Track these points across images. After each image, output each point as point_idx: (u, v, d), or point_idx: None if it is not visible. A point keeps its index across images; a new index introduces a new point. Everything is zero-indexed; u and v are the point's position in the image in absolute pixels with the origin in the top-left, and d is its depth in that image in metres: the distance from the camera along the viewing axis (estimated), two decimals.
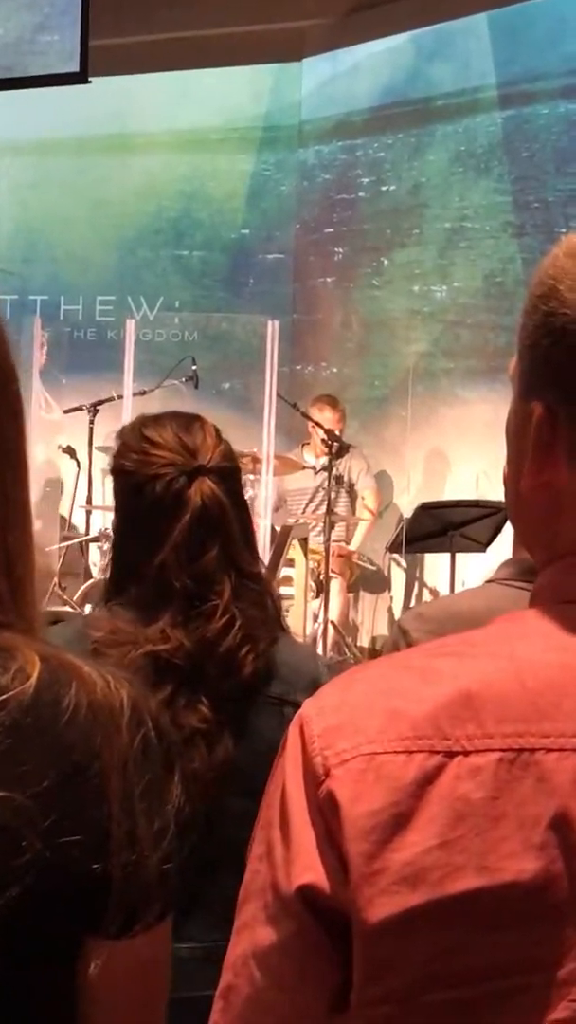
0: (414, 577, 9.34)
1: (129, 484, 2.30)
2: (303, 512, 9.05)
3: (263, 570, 2.37)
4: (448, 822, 0.95)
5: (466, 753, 0.96)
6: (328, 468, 8.50)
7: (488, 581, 2.39)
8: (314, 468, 8.98)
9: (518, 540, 1.21)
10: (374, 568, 9.68)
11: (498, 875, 0.94)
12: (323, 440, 8.65)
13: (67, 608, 7.84)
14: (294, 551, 6.67)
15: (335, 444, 8.49)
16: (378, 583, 9.71)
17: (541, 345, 1.04)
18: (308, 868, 0.98)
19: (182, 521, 2.22)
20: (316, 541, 8.37)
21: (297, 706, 2.27)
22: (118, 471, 2.33)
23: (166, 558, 2.21)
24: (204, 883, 2.17)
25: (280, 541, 6.35)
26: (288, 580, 7.66)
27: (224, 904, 1.91)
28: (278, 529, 8.45)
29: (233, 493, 2.30)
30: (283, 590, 7.82)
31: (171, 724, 2.13)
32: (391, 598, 9.60)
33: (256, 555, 2.36)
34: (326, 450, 8.60)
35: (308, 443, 9.12)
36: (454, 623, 2.27)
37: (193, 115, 10.82)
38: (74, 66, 8.70)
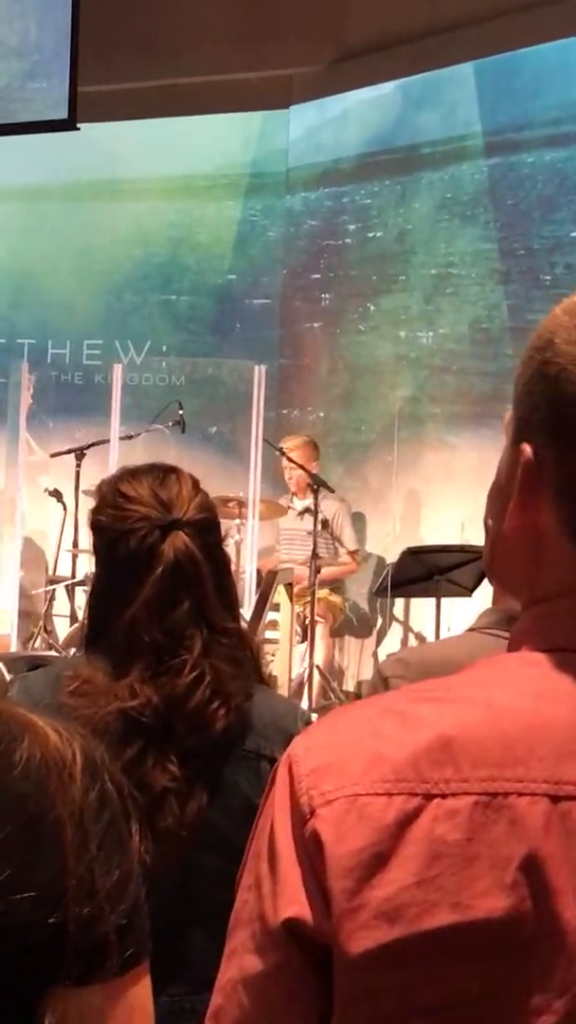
0: (400, 622, 9.33)
1: (105, 539, 2.31)
2: (287, 555, 9.06)
3: (241, 624, 2.36)
4: (425, 861, 1.00)
5: (444, 796, 1.01)
6: (314, 511, 8.51)
7: (469, 629, 2.40)
8: (296, 510, 9.00)
9: (498, 584, 1.24)
10: (360, 612, 9.68)
11: (471, 912, 0.99)
12: (308, 484, 8.69)
13: (51, 653, 7.82)
14: (279, 595, 6.67)
15: (319, 487, 8.50)
16: (363, 627, 9.71)
17: (534, 392, 1.09)
18: (293, 902, 1.03)
19: (154, 575, 2.22)
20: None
21: (272, 761, 2.29)
22: (95, 526, 2.35)
23: (136, 612, 2.21)
24: (180, 939, 2.17)
25: (265, 587, 6.35)
26: (274, 624, 7.65)
27: (200, 960, 1.91)
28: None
29: (209, 546, 2.30)
30: (269, 634, 7.83)
31: (141, 784, 2.14)
32: (376, 642, 9.59)
33: (233, 609, 2.35)
34: (304, 492, 8.65)
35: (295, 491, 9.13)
36: (434, 671, 2.27)
37: (181, 162, 10.88)
38: (63, 113, 8.75)
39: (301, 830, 1.04)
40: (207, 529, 2.32)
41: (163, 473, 2.37)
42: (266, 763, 2.27)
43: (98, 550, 2.35)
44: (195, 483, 2.37)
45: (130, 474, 2.37)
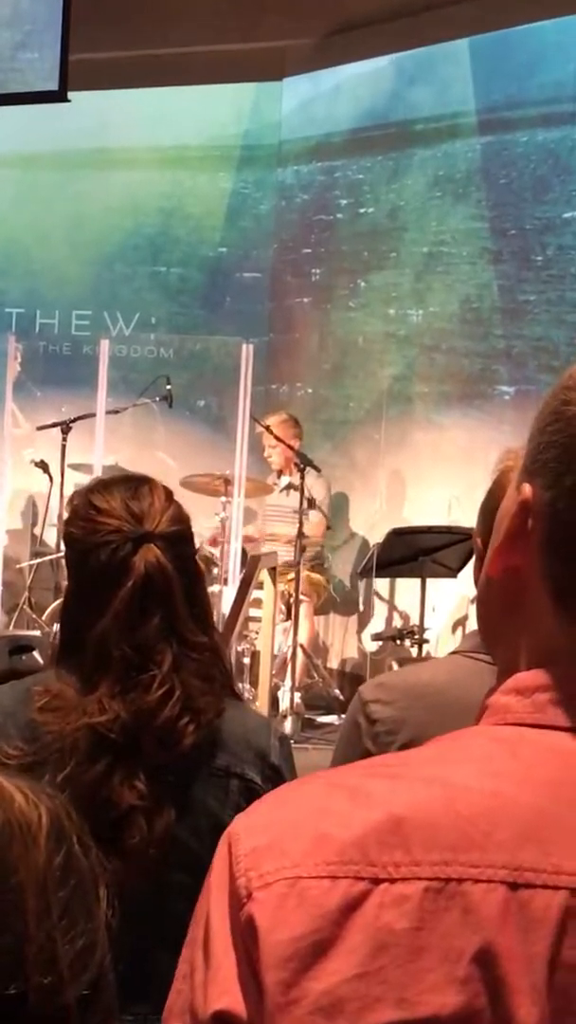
0: (385, 600, 9.33)
1: (77, 551, 2.28)
2: (269, 531, 9.06)
3: (215, 638, 2.33)
4: (369, 952, 0.92)
5: (392, 881, 0.93)
6: (300, 489, 8.50)
7: (452, 652, 2.37)
8: (280, 487, 9.00)
9: (482, 638, 1.18)
10: (345, 590, 9.69)
11: (418, 1009, 0.91)
12: (290, 459, 8.70)
13: (34, 632, 7.80)
14: (262, 577, 6.66)
15: (305, 465, 8.49)
16: (348, 606, 9.71)
17: (547, 431, 1.03)
18: (225, 993, 0.96)
19: (124, 589, 2.19)
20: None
21: (242, 779, 2.26)
22: (67, 538, 2.32)
23: (106, 626, 2.18)
24: (146, 959, 2.16)
25: (248, 571, 6.34)
26: (258, 602, 7.65)
27: (166, 980, 1.89)
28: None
29: (181, 559, 2.27)
30: (252, 612, 7.83)
31: (108, 801, 2.13)
32: (360, 621, 9.60)
33: (205, 623, 2.32)
34: (291, 469, 8.64)
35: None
36: (415, 694, 2.26)
37: (173, 132, 10.81)
38: (53, 84, 8.69)
39: (237, 914, 0.96)
40: (180, 542, 2.29)
41: (136, 485, 2.33)
42: (236, 781, 2.24)
43: (70, 563, 2.32)
44: (168, 495, 2.34)
45: (102, 486, 2.34)
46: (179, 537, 2.29)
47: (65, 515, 2.38)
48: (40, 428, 9.08)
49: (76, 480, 8.50)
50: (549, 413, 1.04)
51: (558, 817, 0.96)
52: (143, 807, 2.14)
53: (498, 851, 0.94)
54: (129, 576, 2.20)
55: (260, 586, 7.35)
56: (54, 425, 8.80)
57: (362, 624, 9.57)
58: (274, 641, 7.82)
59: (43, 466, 9.07)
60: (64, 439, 8.70)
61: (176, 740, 2.17)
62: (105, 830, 2.13)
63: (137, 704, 2.16)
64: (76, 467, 8.62)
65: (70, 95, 9.02)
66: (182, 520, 2.31)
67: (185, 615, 2.24)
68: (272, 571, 6.49)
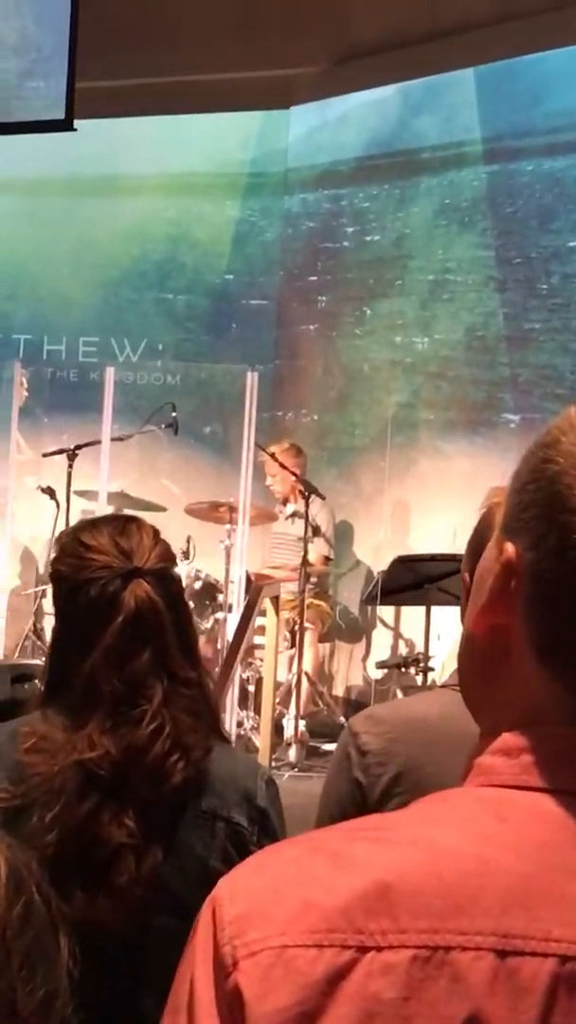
0: (389, 628, 9.32)
1: (65, 588, 2.28)
2: (273, 559, 9.06)
3: (202, 675, 2.33)
4: (357, 1022, 0.91)
5: (379, 949, 0.92)
6: (305, 516, 8.50)
7: (442, 685, 2.36)
8: (285, 514, 8.99)
9: (463, 697, 1.17)
10: (350, 617, 9.67)
11: None
12: (294, 487, 8.70)
13: (38, 661, 7.78)
14: (265, 605, 6.65)
15: (310, 493, 8.49)
16: (353, 633, 9.69)
17: (528, 489, 1.03)
18: None
19: (114, 624, 2.19)
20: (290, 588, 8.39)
21: (228, 822, 2.25)
22: (56, 576, 2.32)
23: (96, 662, 2.18)
24: (130, 1001, 2.14)
25: (251, 600, 6.33)
26: (262, 630, 7.64)
27: (150, 1021, 1.88)
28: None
29: (170, 595, 2.27)
30: (257, 639, 7.82)
31: (96, 840, 2.12)
32: (366, 648, 9.58)
33: (194, 659, 2.31)
34: (296, 497, 8.64)
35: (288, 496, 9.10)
36: (407, 727, 2.26)
37: (181, 159, 10.86)
38: (60, 113, 8.71)
39: (222, 983, 0.94)
40: (168, 578, 2.30)
41: (123, 523, 2.34)
42: (222, 824, 2.23)
43: (58, 600, 2.32)
44: (155, 532, 2.35)
45: (90, 524, 2.35)
46: (167, 573, 2.30)
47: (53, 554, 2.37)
48: (46, 455, 9.08)
49: (83, 507, 8.53)
50: (529, 471, 1.03)
51: (545, 882, 0.95)
52: (132, 845, 2.14)
53: (485, 918, 0.93)
54: (119, 611, 2.21)
55: (263, 613, 7.35)
56: (60, 452, 8.79)
57: (367, 652, 9.55)
58: (277, 669, 7.81)
59: (49, 492, 9.06)
60: (70, 466, 8.70)
61: (165, 777, 2.17)
62: (94, 869, 2.13)
63: (127, 739, 2.16)
64: (82, 494, 8.62)
65: (78, 123, 9.06)
66: (170, 558, 2.32)
67: (175, 650, 2.25)
68: (275, 600, 6.47)
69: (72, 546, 2.29)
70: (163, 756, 2.16)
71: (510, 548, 1.03)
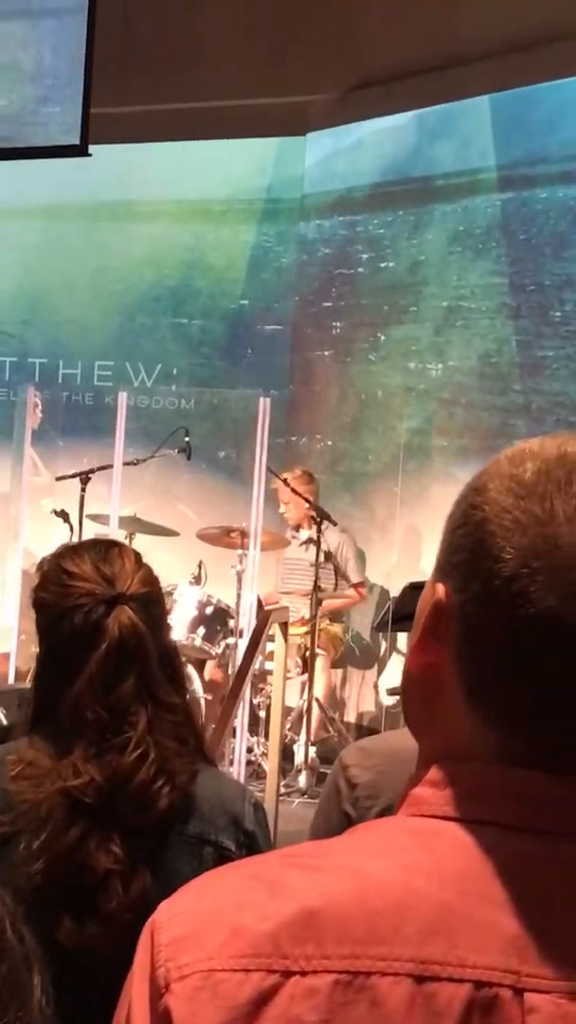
0: (402, 653, 9.29)
1: (48, 616, 2.28)
2: (286, 585, 9.06)
3: (187, 699, 2.33)
4: None
5: (303, 973, 0.95)
6: (317, 542, 8.50)
7: None
8: (299, 540, 8.98)
9: (406, 721, 1.19)
10: (363, 643, 9.65)
11: None
12: (307, 514, 8.70)
13: None
14: (274, 630, 6.64)
15: (321, 519, 8.49)
16: (366, 658, 9.68)
17: (457, 533, 1.06)
18: None
19: (98, 651, 2.20)
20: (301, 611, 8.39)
21: (216, 846, 2.24)
22: (38, 604, 2.32)
23: (80, 689, 2.19)
24: None
25: (259, 626, 6.32)
26: (271, 655, 7.63)
27: None
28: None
29: (153, 619, 2.28)
30: (268, 665, 7.80)
31: (84, 867, 2.11)
32: (378, 674, 9.56)
33: (178, 683, 2.32)
34: (309, 524, 8.64)
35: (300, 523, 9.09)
36: (396, 759, 2.24)
37: (196, 185, 10.89)
38: (75, 138, 8.76)
39: (156, 1004, 0.98)
40: (151, 603, 2.30)
41: (105, 548, 2.34)
42: (210, 848, 2.23)
43: (42, 627, 2.32)
44: (138, 557, 2.35)
45: (72, 550, 2.36)
46: (151, 598, 2.30)
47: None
48: (59, 478, 9.09)
49: (95, 530, 8.53)
50: (460, 515, 1.07)
51: (464, 911, 0.97)
52: (119, 871, 2.14)
53: (405, 945, 0.95)
54: (103, 638, 2.21)
55: (272, 638, 7.34)
56: (74, 476, 8.80)
57: (379, 676, 9.53)
58: (285, 695, 7.80)
59: (63, 515, 9.07)
60: (83, 489, 8.70)
61: (151, 803, 2.17)
62: (82, 896, 2.13)
63: (112, 767, 2.17)
64: (94, 518, 8.62)
65: (94, 148, 9.11)
66: (152, 582, 2.32)
67: (159, 676, 2.25)
68: (283, 626, 6.47)
69: (55, 573, 2.29)
70: (148, 782, 2.17)
71: (440, 589, 1.06)
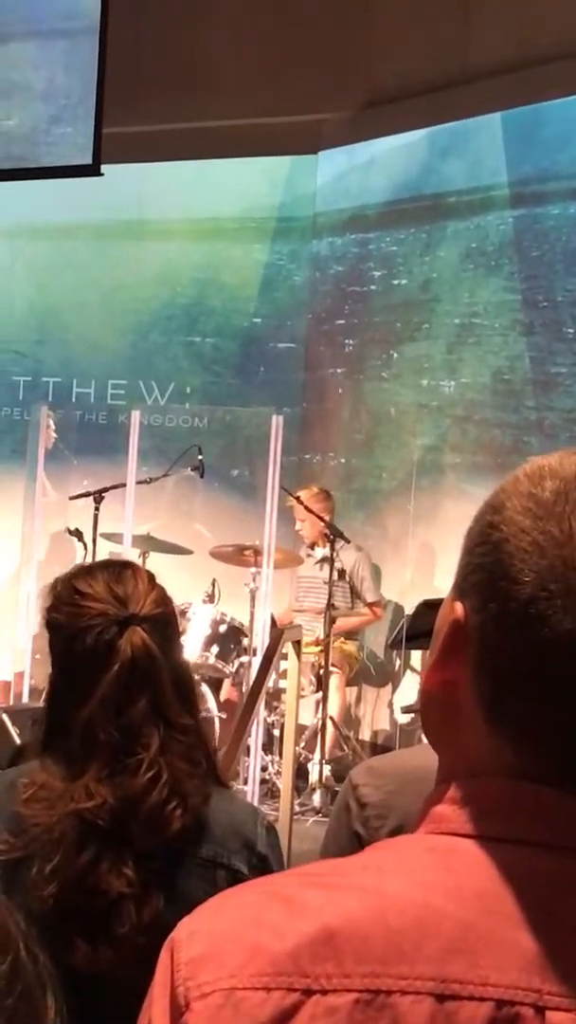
0: (416, 672, 9.27)
1: (61, 637, 2.28)
2: (301, 603, 9.05)
3: (199, 721, 2.32)
4: None
5: (324, 992, 0.95)
6: (330, 560, 8.49)
7: None
8: (315, 559, 8.97)
9: (426, 738, 1.19)
10: (378, 661, 9.63)
11: None
12: (321, 532, 8.69)
13: None
14: (287, 649, 6.63)
15: (335, 537, 8.48)
16: (381, 676, 9.66)
17: (475, 552, 1.05)
18: None
19: (110, 673, 2.19)
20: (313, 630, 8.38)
21: (229, 869, 2.23)
22: (51, 624, 2.31)
23: (93, 710, 2.18)
24: None
25: (272, 644, 6.32)
26: (284, 673, 7.62)
27: None
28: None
29: (166, 640, 2.27)
30: (283, 683, 7.78)
31: (96, 890, 2.10)
32: (393, 691, 9.54)
33: (191, 704, 2.31)
34: (324, 541, 8.64)
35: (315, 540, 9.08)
36: (406, 779, 2.23)
37: (209, 203, 10.92)
38: (87, 158, 8.78)
39: (176, 1023, 0.98)
40: (164, 624, 2.29)
41: (119, 569, 2.34)
42: (223, 871, 2.22)
43: (54, 648, 2.31)
44: (151, 577, 2.34)
45: (85, 571, 2.35)
46: (163, 619, 2.29)
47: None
48: (73, 497, 9.10)
49: (110, 549, 8.53)
50: (477, 534, 1.06)
51: (485, 929, 0.97)
52: (132, 894, 2.13)
53: (426, 963, 0.95)
54: (115, 659, 2.20)
55: (286, 656, 7.33)
56: (87, 495, 8.81)
57: (394, 694, 9.51)
58: (298, 713, 7.79)
59: (77, 534, 9.07)
60: (96, 508, 8.71)
61: (163, 825, 2.16)
62: (95, 919, 2.12)
63: (124, 788, 2.16)
64: (108, 536, 8.63)
65: (107, 167, 9.14)
66: (165, 603, 2.31)
67: (171, 697, 2.24)
68: (296, 644, 6.46)
69: (67, 594, 2.29)
70: (161, 804, 2.16)
71: (459, 608, 1.06)
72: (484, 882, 0.99)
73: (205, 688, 8.19)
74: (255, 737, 7.24)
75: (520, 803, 1.02)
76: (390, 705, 9.52)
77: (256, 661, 7.72)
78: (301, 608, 9.00)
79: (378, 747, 9.31)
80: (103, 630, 2.22)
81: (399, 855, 1.05)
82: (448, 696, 1.07)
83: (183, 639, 8.16)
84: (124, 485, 8.46)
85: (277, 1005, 0.95)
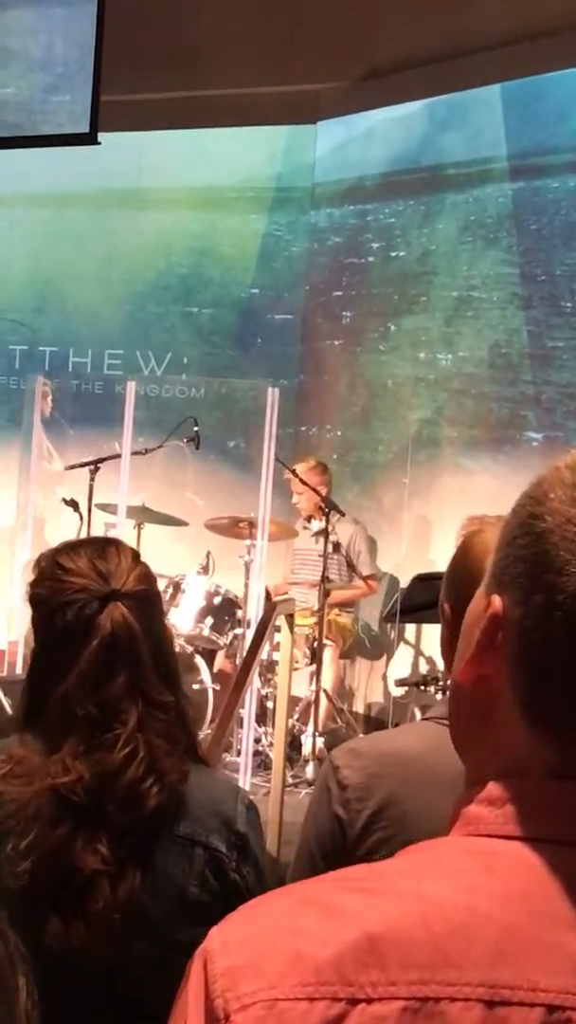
0: (411, 644, 9.28)
1: (43, 612, 2.27)
2: (296, 575, 9.04)
3: (181, 699, 2.31)
4: None
5: (369, 1001, 0.93)
6: (325, 533, 8.48)
7: (425, 718, 2.33)
8: (311, 531, 8.96)
9: (454, 744, 1.17)
10: (372, 634, 9.64)
11: None
12: (317, 505, 8.67)
13: None
14: (280, 622, 6.63)
15: (330, 510, 8.47)
16: (375, 649, 9.66)
17: (516, 543, 1.03)
18: None
19: (90, 648, 2.18)
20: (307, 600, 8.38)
21: (207, 847, 2.22)
22: (34, 599, 2.30)
23: (71, 685, 2.17)
24: None
25: (264, 617, 6.30)
26: (277, 646, 7.61)
27: None
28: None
29: (148, 618, 2.25)
30: (277, 656, 7.78)
31: (70, 867, 2.10)
32: (387, 664, 9.55)
33: (172, 681, 2.29)
34: (320, 515, 8.62)
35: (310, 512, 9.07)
36: (387, 761, 2.23)
37: (207, 173, 10.87)
38: (84, 127, 8.73)
39: None
40: (147, 601, 2.28)
41: (103, 545, 2.33)
42: (200, 850, 2.20)
43: (36, 624, 2.30)
44: (135, 555, 2.33)
45: (69, 547, 2.34)
46: (146, 596, 2.28)
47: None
48: (69, 468, 9.09)
49: (104, 519, 8.52)
50: (518, 525, 1.04)
51: (531, 932, 0.96)
52: (106, 872, 2.12)
53: (474, 969, 0.94)
54: (95, 634, 2.19)
55: (279, 629, 7.32)
56: (82, 465, 8.79)
57: (388, 667, 9.52)
58: (291, 686, 7.78)
59: (73, 504, 9.05)
60: (92, 478, 8.69)
61: (139, 802, 2.15)
62: (69, 896, 2.11)
63: (101, 764, 2.15)
64: (103, 507, 8.61)
65: (104, 136, 9.08)
66: (149, 580, 2.30)
67: (151, 674, 2.23)
68: (290, 618, 6.45)
69: (50, 569, 2.28)
70: (137, 780, 2.14)
71: (497, 602, 1.04)
72: (528, 884, 0.98)
73: (199, 659, 8.19)
74: (248, 709, 7.24)
75: (563, 804, 1.01)
76: (384, 678, 9.53)
77: (250, 633, 7.72)
78: (296, 580, 9.00)
79: (371, 719, 9.32)
80: (84, 605, 2.21)
81: (435, 858, 1.03)
82: (482, 692, 1.06)
83: (177, 610, 8.22)
84: (120, 455, 8.44)
85: (322, 1016, 0.93)
